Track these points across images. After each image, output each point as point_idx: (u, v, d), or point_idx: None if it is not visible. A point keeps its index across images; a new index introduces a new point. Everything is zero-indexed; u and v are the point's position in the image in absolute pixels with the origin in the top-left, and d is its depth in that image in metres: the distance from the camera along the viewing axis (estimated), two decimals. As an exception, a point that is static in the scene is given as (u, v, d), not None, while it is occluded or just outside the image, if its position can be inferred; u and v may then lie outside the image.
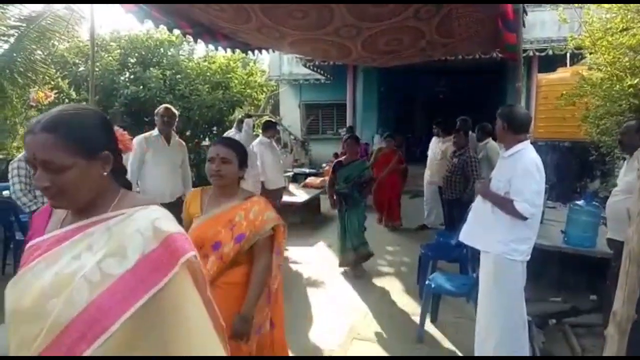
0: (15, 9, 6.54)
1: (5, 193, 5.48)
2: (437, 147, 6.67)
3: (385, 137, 7.59)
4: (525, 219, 2.60)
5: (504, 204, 2.65)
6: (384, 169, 7.07)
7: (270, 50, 5.48)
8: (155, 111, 4.49)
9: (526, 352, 2.77)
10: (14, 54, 6.43)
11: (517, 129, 2.76)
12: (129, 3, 3.43)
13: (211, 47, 4.61)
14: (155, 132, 4.34)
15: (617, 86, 4.25)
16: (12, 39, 6.55)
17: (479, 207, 2.87)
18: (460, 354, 3.19)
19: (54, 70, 7.90)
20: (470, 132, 5.83)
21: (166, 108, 4.43)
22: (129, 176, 3.92)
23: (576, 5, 5.52)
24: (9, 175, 3.80)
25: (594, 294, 4.20)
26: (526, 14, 3.45)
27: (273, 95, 13.77)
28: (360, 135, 9.35)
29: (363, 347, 3.42)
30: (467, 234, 2.93)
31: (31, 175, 3.54)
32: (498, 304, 2.72)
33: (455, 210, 5.33)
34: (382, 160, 7.25)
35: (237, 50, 4.94)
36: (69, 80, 8.27)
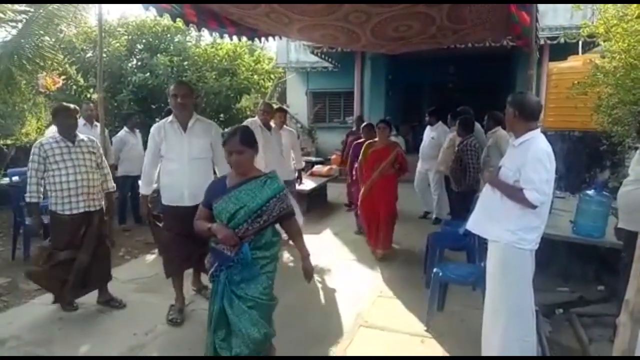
0: (23, -5, 6.52)
1: (15, 178, 5.53)
2: (428, 136, 6.87)
3: (377, 124, 5.36)
4: (534, 207, 2.57)
5: (514, 193, 2.62)
6: (375, 173, 5.17)
7: (278, 37, 5.44)
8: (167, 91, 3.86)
9: (533, 342, 2.76)
10: (22, 40, 6.43)
11: (528, 116, 2.71)
12: (136, 3, 3.42)
13: (217, 35, 4.59)
14: (170, 117, 3.54)
15: (632, 74, 4.18)
16: (20, 25, 6.54)
17: (488, 196, 2.84)
18: (466, 343, 3.20)
19: (62, 56, 7.90)
20: (475, 122, 5.78)
21: (178, 84, 3.65)
22: (143, 173, 3.60)
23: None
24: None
25: (601, 284, 4.18)
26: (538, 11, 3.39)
27: (280, 83, 13.71)
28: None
29: (370, 334, 3.43)
30: (475, 223, 2.91)
31: (44, 166, 3.45)
32: (506, 293, 2.71)
33: (458, 200, 5.34)
34: (373, 159, 5.19)
35: (244, 38, 4.91)
36: (77, 67, 8.27)
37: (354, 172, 5.82)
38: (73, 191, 3.50)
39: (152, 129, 3.57)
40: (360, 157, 5.30)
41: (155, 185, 3.73)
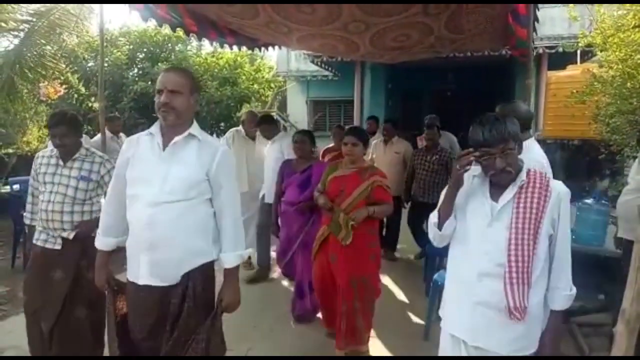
0: (25, 4, 6.58)
1: (16, 187, 5.54)
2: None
3: (348, 131, 3.36)
4: None
5: None
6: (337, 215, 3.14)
7: (277, 47, 5.48)
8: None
9: None
10: (24, 49, 6.48)
11: (522, 127, 2.68)
12: (137, 3, 3.45)
13: (216, 44, 4.62)
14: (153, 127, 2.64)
15: (629, 84, 4.21)
16: (22, 34, 6.60)
17: None
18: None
19: (64, 65, 7.96)
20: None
21: (167, 70, 2.29)
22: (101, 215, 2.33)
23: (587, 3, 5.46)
24: None
25: (602, 293, 4.16)
26: (538, 10, 3.41)
27: (280, 92, 13.78)
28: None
29: (369, 342, 3.42)
30: None
31: (37, 183, 2.76)
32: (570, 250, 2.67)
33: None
34: (333, 190, 3.16)
35: (244, 48, 4.94)
36: (78, 75, 8.33)
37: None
38: (44, 222, 2.69)
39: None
40: (318, 186, 3.31)
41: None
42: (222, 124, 9.49)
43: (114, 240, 2.14)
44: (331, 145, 5.53)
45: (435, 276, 3.67)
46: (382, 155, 5.44)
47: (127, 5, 3.41)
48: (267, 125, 4.70)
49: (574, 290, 1.77)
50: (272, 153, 4.52)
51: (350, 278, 3.02)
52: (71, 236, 2.70)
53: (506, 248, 1.68)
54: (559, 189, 1.75)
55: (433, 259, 4.20)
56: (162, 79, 1.99)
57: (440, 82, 13.26)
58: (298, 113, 13.45)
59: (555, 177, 2.69)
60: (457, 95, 13.40)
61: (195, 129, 2.04)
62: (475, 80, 12.01)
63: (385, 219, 5.31)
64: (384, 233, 5.35)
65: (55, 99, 8.64)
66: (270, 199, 4.27)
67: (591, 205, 3.82)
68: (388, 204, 3.13)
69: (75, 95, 8.35)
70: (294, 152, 3.80)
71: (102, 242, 2.16)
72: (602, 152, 5.36)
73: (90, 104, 8.20)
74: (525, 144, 2.65)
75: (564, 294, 1.77)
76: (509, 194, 1.74)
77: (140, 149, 2.04)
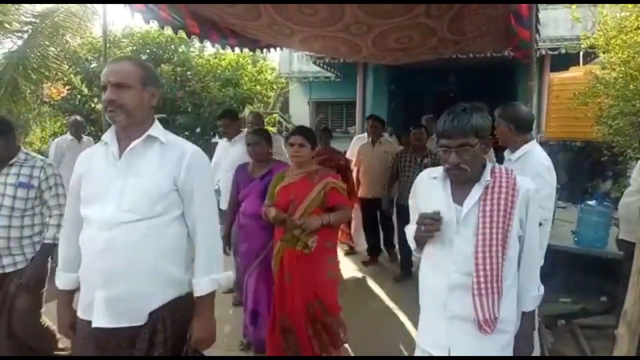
0: (29, 5, 6.62)
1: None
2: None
3: (294, 131, 3.01)
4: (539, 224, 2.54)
5: None
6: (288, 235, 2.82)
7: (279, 48, 5.49)
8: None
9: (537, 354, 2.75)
10: (28, 50, 6.52)
11: (524, 129, 2.64)
12: (140, 3, 3.47)
13: (218, 46, 4.63)
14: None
15: (631, 85, 4.21)
16: (25, 36, 6.63)
17: None
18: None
19: (67, 66, 7.99)
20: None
21: (115, 60, 2.29)
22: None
23: (590, 4, 5.45)
24: None
25: (604, 295, 4.15)
26: (539, 12, 3.41)
27: (283, 93, 13.79)
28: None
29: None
30: None
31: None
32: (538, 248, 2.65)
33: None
34: (282, 200, 2.81)
35: (246, 49, 4.95)
36: (81, 77, 8.35)
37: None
38: None
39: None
40: (266, 200, 2.91)
41: None
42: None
43: (77, 275, 1.70)
44: (318, 148, 5.26)
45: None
46: (371, 155, 5.14)
47: (129, 7, 3.42)
48: (229, 120, 4.21)
49: (542, 289, 1.72)
50: (232, 155, 4.03)
51: (306, 302, 2.70)
52: (7, 270, 2.45)
53: (473, 256, 1.56)
54: (527, 186, 1.64)
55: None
56: (106, 70, 1.64)
57: (443, 83, 13.25)
58: (300, 114, 13.46)
59: (557, 179, 2.69)
60: (459, 97, 13.36)
61: (156, 129, 1.68)
62: (478, 81, 12.00)
63: (379, 222, 5.19)
64: (381, 236, 5.26)
65: (58, 100, 8.68)
66: (224, 206, 3.80)
67: (593, 207, 3.82)
68: (345, 208, 2.81)
69: (78, 96, 8.38)
70: (249, 155, 3.29)
71: (63, 279, 1.74)
72: (604, 153, 5.36)
73: (93, 105, 8.22)
74: (527, 146, 2.66)
75: (533, 294, 1.69)
76: (473, 196, 1.61)
77: (95, 162, 1.68)
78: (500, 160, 3.10)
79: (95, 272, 1.58)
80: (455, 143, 1.55)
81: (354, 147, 5.64)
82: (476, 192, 1.60)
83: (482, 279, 1.54)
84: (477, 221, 1.57)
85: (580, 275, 4.29)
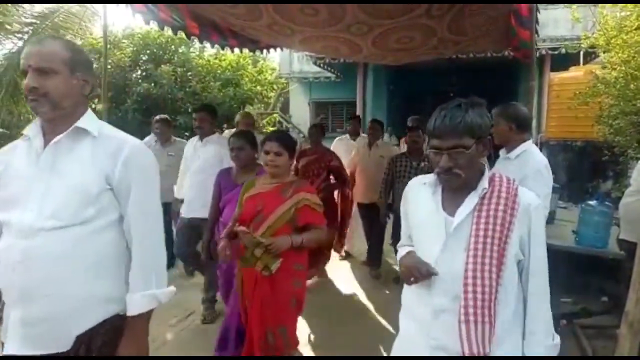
0: (29, 6, 6.64)
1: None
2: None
3: (270, 136, 2.58)
4: None
5: None
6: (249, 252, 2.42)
7: (280, 48, 5.49)
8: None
9: None
10: (28, 51, 6.52)
11: (524, 128, 2.66)
12: (141, 3, 3.47)
13: (218, 46, 4.62)
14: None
15: (632, 85, 4.21)
16: (26, 36, 6.64)
17: None
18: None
19: (67, 67, 7.99)
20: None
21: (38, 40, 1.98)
22: None
23: (590, 4, 5.46)
24: None
25: (605, 295, 4.15)
26: (539, 12, 3.41)
27: (283, 93, 13.79)
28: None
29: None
30: None
31: None
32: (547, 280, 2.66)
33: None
34: (248, 212, 2.48)
35: (246, 49, 4.95)
36: (81, 77, 8.36)
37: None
38: None
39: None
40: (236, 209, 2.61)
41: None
42: (225, 125, 9.51)
43: None
44: (307, 147, 4.82)
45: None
46: (366, 158, 4.89)
47: (129, 8, 3.43)
48: (206, 115, 3.82)
49: (557, 339, 1.46)
50: (202, 157, 3.72)
51: (265, 329, 2.36)
52: None
53: (462, 276, 1.32)
54: (530, 200, 1.38)
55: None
56: (25, 52, 1.39)
57: (443, 83, 13.26)
58: (300, 114, 13.47)
59: (558, 178, 2.69)
60: (460, 96, 13.41)
61: (87, 120, 1.44)
62: (478, 81, 12.00)
63: (367, 229, 4.94)
64: (367, 247, 5.01)
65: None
66: (191, 213, 3.64)
67: (594, 206, 3.81)
68: (319, 229, 2.45)
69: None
70: (232, 160, 3.03)
71: None
72: (605, 153, 5.35)
73: (93, 106, 8.23)
74: (525, 145, 2.67)
75: (545, 344, 1.42)
76: (467, 205, 1.38)
77: (15, 160, 1.43)
78: (493, 159, 3.08)
79: (11, 287, 1.34)
80: (447, 144, 1.34)
81: (335, 148, 5.39)
82: (470, 201, 1.38)
83: (470, 303, 1.30)
84: (469, 235, 1.34)
85: (581, 275, 4.29)
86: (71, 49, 1.43)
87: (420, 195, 1.50)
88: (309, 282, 4.31)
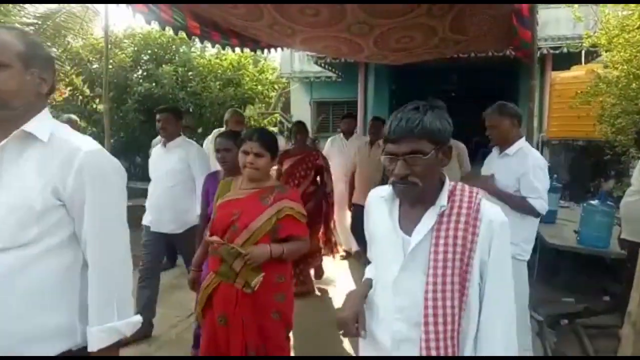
0: (31, 7, 6.65)
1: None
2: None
3: (249, 135, 2.29)
4: (539, 215, 2.58)
5: (520, 203, 2.58)
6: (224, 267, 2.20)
7: (281, 48, 5.49)
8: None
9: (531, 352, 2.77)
10: (30, 51, 6.53)
11: (520, 124, 2.75)
12: (143, 3, 3.47)
13: (219, 46, 4.62)
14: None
15: (634, 84, 4.20)
16: (27, 37, 6.66)
17: None
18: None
19: (69, 67, 8.00)
20: None
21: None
22: None
23: (592, 3, 5.45)
24: None
25: (607, 295, 4.15)
26: (537, 12, 3.41)
27: (284, 93, 13.80)
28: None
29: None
30: None
31: None
32: (512, 309, 2.70)
33: None
34: (221, 221, 2.21)
35: (246, 50, 4.95)
36: (83, 77, 8.36)
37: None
38: None
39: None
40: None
41: None
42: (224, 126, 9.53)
43: None
44: (290, 147, 4.46)
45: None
46: (367, 158, 4.70)
47: (130, 8, 3.43)
48: (170, 116, 3.49)
49: None
50: (166, 165, 3.43)
51: (246, 348, 2.13)
52: None
53: (422, 304, 1.20)
54: (493, 216, 1.24)
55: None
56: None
57: (444, 83, 13.26)
58: (302, 114, 13.46)
59: (559, 178, 2.71)
60: (461, 97, 13.40)
61: (37, 122, 1.24)
62: (479, 81, 12.00)
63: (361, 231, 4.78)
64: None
65: (60, 100, 8.69)
66: (161, 228, 3.37)
67: (596, 206, 3.81)
68: (302, 240, 2.22)
69: (80, 97, 8.39)
70: (219, 163, 2.73)
71: None
72: (607, 153, 5.34)
73: (94, 106, 8.24)
74: (521, 141, 2.70)
75: None
76: (425, 224, 1.25)
77: None
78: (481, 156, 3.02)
79: None
80: (402, 149, 1.21)
81: (329, 149, 5.40)
82: (429, 218, 1.24)
83: (432, 336, 1.18)
84: (427, 257, 1.21)
85: (583, 274, 4.29)
86: (27, 41, 1.25)
87: (379, 211, 1.37)
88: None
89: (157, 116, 3.52)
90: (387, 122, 1.27)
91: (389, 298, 1.28)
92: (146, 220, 3.51)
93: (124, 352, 3.22)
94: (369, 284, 1.44)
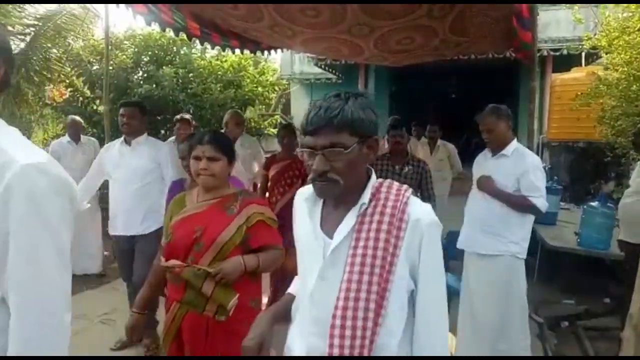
0: (31, 8, 6.66)
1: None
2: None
3: (201, 137, 2.00)
4: (540, 213, 2.62)
5: (521, 202, 2.60)
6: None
7: (281, 50, 5.50)
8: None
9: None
10: (30, 53, 6.55)
11: (512, 125, 2.78)
12: (144, 3, 3.47)
13: (219, 48, 4.62)
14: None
15: (634, 86, 4.20)
16: (28, 38, 6.66)
17: (480, 210, 2.77)
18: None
19: (69, 69, 8.01)
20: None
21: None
22: None
23: (592, 4, 5.45)
24: None
25: (607, 296, 4.14)
26: (537, 14, 3.41)
27: (284, 94, 13.80)
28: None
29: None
30: (470, 241, 2.83)
31: None
32: (514, 305, 2.71)
33: None
34: (180, 237, 1.90)
35: (247, 51, 4.96)
36: (83, 79, 8.37)
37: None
38: None
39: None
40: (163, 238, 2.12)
41: None
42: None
43: None
44: (279, 152, 4.11)
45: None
46: None
47: (131, 9, 3.43)
48: (136, 111, 3.27)
49: None
50: (132, 165, 3.20)
51: None
52: None
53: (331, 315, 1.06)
54: (420, 214, 1.10)
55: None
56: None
57: (444, 84, 13.27)
58: (302, 116, 13.38)
59: (560, 180, 2.72)
60: (461, 98, 13.42)
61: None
62: (480, 82, 12.01)
63: None
64: None
65: (61, 102, 8.70)
66: (130, 230, 3.16)
67: (596, 208, 3.81)
68: (277, 249, 1.99)
69: (80, 98, 8.39)
70: (185, 170, 2.50)
71: None
72: (607, 154, 5.34)
73: (95, 107, 8.24)
74: (515, 142, 2.73)
75: None
76: (346, 224, 1.11)
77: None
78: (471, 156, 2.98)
79: None
80: (321, 142, 1.07)
81: None
82: (350, 219, 1.11)
83: (336, 344, 1.04)
84: (345, 261, 1.08)
85: (583, 276, 4.28)
86: None
87: (301, 212, 1.22)
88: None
89: (121, 110, 3.28)
90: (305, 112, 1.13)
91: (306, 309, 1.15)
92: (113, 229, 3.27)
93: (124, 352, 3.24)
94: (286, 300, 1.32)
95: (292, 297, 1.31)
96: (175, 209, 1.95)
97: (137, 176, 3.15)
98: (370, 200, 1.11)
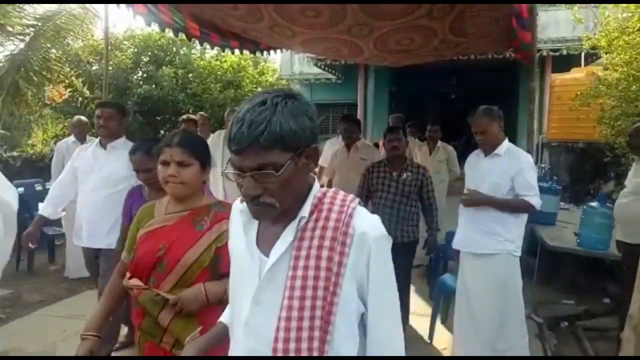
0: (31, 8, 6.66)
1: (20, 190, 5.57)
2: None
3: (169, 140, 1.67)
4: (535, 212, 2.66)
5: (517, 204, 2.64)
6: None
7: (280, 50, 5.50)
8: None
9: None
10: (30, 53, 6.55)
11: (498, 124, 2.78)
12: (143, 3, 3.47)
13: (219, 48, 4.62)
14: None
15: (634, 86, 4.20)
16: (27, 38, 6.66)
17: (474, 210, 2.77)
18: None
19: (69, 69, 8.01)
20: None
21: None
22: None
23: (592, 4, 5.46)
24: None
25: (607, 297, 4.14)
26: (537, 14, 3.41)
27: (284, 95, 13.83)
28: (371, 136, 9.31)
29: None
30: (467, 241, 2.83)
31: None
32: (513, 302, 2.72)
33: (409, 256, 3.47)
34: (144, 254, 1.61)
35: (246, 51, 4.96)
36: (83, 79, 8.37)
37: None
38: None
39: None
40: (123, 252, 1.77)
41: None
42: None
43: None
44: None
45: (442, 277, 3.66)
46: (345, 162, 4.30)
47: (130, 9, 3.43)
48: (114, 112, 3.03)
49: None
50: (106, 169, 2.93)
51: None
52: None
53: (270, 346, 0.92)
54: (366, 227, 0.96)
55: (437, 262, 4.19)
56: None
57: (444, 85, 13.26)
58: (301, 116, 13.47)
59: (559, 180, 2.72)
60: (461, 98, 13.41)
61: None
62: (479, 82, 12.00)
63: None
64: None
65: (60, 102, 8.70)
66: (95, 243, 2.89)
67: (596, 208, 3.81)
68: None
69: (80, 99, 8.40)
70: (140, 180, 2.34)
71: None
72: (607, 155, 5.34)
73: (94, 107, 8.26)
74: (506, 142, 2.74)
75: None
76: (284, 240, 0.96)
77: None
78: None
79: None
80: (247, 163, 0.90)
81: (327, 152, 4.97)
82: (289, 234, 0.96)
83: None
84: (285, 284, 0.94)
85: (583, 276, 4.28)
86: None
87: (237, 226, 1.07)
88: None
89: (98, 111, 3.02)
90: (229, 124, 0.97)
91: (240, 340, 1.00)
92: (77, 239, 3.02)
93: (124, 352, 3.23)
94: (217, 331, 1.19)
95: (224, 327, 1.17)
96: (143, 220, 1.65)
97: (108, 183, 2.87)
98: (312, 213, 0.97)
